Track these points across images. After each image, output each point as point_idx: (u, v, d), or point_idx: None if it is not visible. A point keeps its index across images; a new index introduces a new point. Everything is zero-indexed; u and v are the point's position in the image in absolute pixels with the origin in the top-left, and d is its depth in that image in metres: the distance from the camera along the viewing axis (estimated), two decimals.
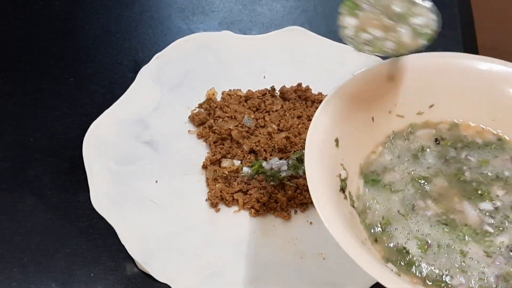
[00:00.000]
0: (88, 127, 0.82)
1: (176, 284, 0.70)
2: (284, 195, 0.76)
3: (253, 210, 0.76)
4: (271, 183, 0.77)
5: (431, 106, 0.69)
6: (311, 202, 0.77)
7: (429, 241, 0.60)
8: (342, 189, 0.60)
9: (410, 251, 0.60)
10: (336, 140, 0.61)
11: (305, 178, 0.77)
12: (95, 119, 0.83)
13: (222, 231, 0.74)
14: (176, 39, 0.93)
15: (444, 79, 0.68)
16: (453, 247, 0.59)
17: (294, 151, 0.80)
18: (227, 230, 0.75)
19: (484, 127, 0.69)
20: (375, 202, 0.63)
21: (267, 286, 0.70)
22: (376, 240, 0.61)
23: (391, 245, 0.60)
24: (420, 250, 0.59)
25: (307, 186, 0.76)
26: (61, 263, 0.72)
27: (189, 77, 0.89)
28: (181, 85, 0.88)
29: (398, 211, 0.62)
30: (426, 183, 0.64)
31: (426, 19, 0.62)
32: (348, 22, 0.62)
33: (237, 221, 0.75)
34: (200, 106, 0.86)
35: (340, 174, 0.61)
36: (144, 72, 0.89)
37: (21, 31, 0.96)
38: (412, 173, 0.65)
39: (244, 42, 0.93)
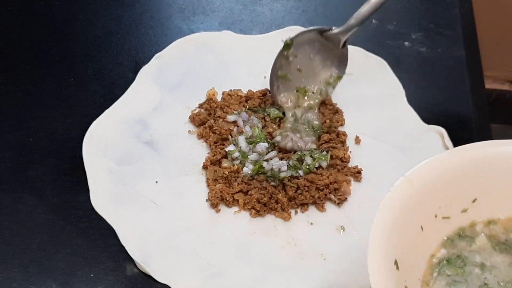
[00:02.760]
0: (88, 127, 0.82)
1: (176, 285, 0.70)
2: (284, 196, 0.76)
3: (253, 210, 0.76)
4: (272, 183, 0.77)
5: (474, 201, 0.65)
6: (312, 203, 0.77)
7: None
8: None
9: None
10: (396, 263, 0.57)
11: (305, 178, 0.77)
12: (95, 119, 0.83)
13: (222, 232, 0.74)
14: (176, 39, 0.93)
15: (482, 171, 0.64)
16: None
17: (295, 152, 0.80)
18: (227, 230, 0.75)
19: None
20: None
21: (267, 286, 0.70)
22: None
23: None
24: None
25: (307, 186, 0.76)
26: (62, 264, 0.72)
27: (189, 77, 0.89)
28: (181, 85, 0.88)
29: None
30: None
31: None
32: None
33: (237, 221, 0.75)
34: (201, 106, 0.86)
35: None
36: (144, 72, 0.89)
37: (21, 31, 0.96)
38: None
39: (244, 42, 0.93)
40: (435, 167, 0.63)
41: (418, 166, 0.62)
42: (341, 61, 0.84)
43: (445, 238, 0.64)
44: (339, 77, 0.85)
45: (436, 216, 0.63)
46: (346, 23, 0.81)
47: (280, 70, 0.83)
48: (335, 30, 0.82)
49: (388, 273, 0.56)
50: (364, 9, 0.79)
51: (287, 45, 0.82)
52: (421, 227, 0.62)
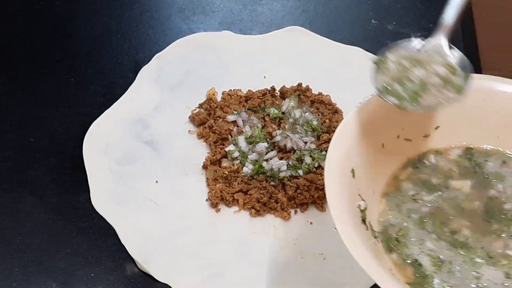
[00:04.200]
0: (89, 127, 0.82)
1: (176, 284, 0.70)
2: (284, 195, 0.76)
3: (253, 210, 0.76)
4: (271, 183, 0.77)
5: (436, 128, 0.68)
6: (311, 202, 0.77)
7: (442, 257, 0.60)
8: (363, 220, 0.60)
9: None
10: (352, 171, 0.61)
11: (305, 178, 0.77)
12: (95, 119, 0.83)
13: (222, 231, 0.74)
14: (176, 39, 0.93)
15: None
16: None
17: (294, 151, 0.80)
18: (227, 230, 0.75)
19: (502, 149, 0.68)
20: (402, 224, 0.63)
21: (267, 286, 0.70)
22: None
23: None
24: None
25: (307, 186, 0.77)
26: (62, 263, 0.72)
27: (189, 77, 0.89)
28: (181, 85, 0.88)
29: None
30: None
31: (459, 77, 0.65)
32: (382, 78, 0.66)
33: (237, 221, 0.75)
34: (201, 106, 0.86)
35: (360, 205, 0.60)
36: (145, 72, 0.89)
37: (21, 31, 0.96)
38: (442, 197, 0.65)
39: (244, 42, 0.93)
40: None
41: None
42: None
43: (407, 158, 0.67)
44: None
45: (398, 137, 0.66)
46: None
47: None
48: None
49: (343, 178, 0.59)
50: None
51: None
52: (382, 145, 0.65)
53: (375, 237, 0.61)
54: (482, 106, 0.67)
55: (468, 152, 0.68)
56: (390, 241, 0.61)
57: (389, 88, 0.64)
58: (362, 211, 0.60)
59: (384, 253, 0.61)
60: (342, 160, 0.60)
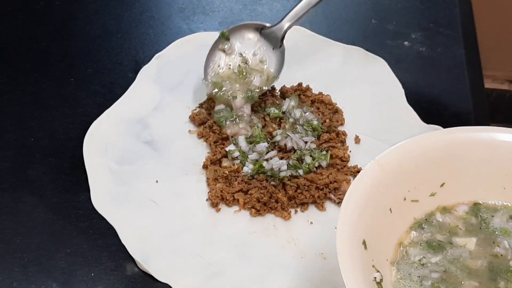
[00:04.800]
0: (89, 127, 0.82)
1: (176, 284, 0.70)
2: (284, 195, 0.76)
3: (253, 209, 0.76)
4: (272, 183, 0.77)
5: (442, 185, 0.66)
6: (312, 202, 0.77)
7: None
8: None
9: None
10: (364, 243, 0.59)
11: (305, 178, 0.77)
12: (95, 119, 0.83)
13: (222, 231, 0.74)
14: (176, 39, 0.93)
15: (452, 156, 0.66)
16: None
17: (294, 151, 0.80)
18: (227, 230, 0.75)
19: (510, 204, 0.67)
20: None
21: (267, 286, 0.70)
22: None
23: None
24: None
25: (307, 186, 0.76)
26: (62, 263, 0.72)
27: (189, 77, 0.89)
28: (181, 85, 0.88)
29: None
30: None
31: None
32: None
33: (237, 221, 0.75)
34: (201, 106, 0.86)
35: (375, 277, 0.59)
36: (145, 72, 0.89)
37: (21, 31, 0.96)
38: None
39: None
40: (405, 151, 0.64)
41: (388, 150, 0.64)
42: (279, 62, 0.84)
43: (414, 219, 0.66)
44: (274, 78, 0.84)
45: (405, 199, 0.65)
46: (281, 19, 0.82)
47: (212, 72, 0.84)
48: (271, 27, 0.82)
49: (356, 252, 0.57)
50: (299, 6, 0.81)
51: (225, 38, 0.83)
52: (390, 209, 0.63)
53: None
54: (486, 158, 0.66)
55: (476, 208, 0.67)
56: None
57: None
58: (378, 283, 0.59)
59: None
60: (352, 233, 0.58)
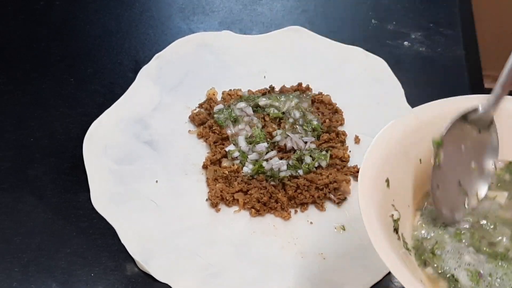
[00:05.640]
0: (88, 127, 0.82)
1: (176, 284, 0.70)
2: (284, 195, 0.76)
3: (253, 210, 0.76)
4: (271, 183, 0.77)
5: None
6: (311, 202, 0.77)
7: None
8: (395, 230, 0.60)
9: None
10: (387, 181, 0.60)
11: (305, 178, 0.77)
12: (95, 119, 0.83)
13: (222, 231, 0.74)
14: (176, 39, 0.93)
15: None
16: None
17: (294, 151, 0.80)
18: (227, 230, 0.75)
19: None
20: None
21: (267, 286, 0.70)
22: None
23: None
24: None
25: (307, 186, 0.77)
26: (62, 263, 0.72)
27: (189, 77, 0.89)
28: (181, 85, 0.88)
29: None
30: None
31: None
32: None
33: (237, 221, 0.75)
34: (201, 106, 0.86)
35: (393, 215, 0.60)
36: (144, 72, 0.89)
37: (21, 31, 0.96)
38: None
39: (244, 42, 0.93)
40: (444, 106, 0.64)
41: (428, 103, 0.65)
42: (494, 145, 0.66)
43: None
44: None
45: None
46: (492, 94, 0.63)
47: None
48: (482, 108, 0.63)
49: (377, 186, 0.59)
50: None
51: (438, 145, 0.63)
52: (420, 160, 0.64)
53: (407, 249, 0.60)
54: None
55: (511, 166, 0.67)
56: (424, 254, 0.61)
57: None
58: (395, 221, 0.59)
59: (418, 266, 0.60)
60: (378, 169, 0.59)
